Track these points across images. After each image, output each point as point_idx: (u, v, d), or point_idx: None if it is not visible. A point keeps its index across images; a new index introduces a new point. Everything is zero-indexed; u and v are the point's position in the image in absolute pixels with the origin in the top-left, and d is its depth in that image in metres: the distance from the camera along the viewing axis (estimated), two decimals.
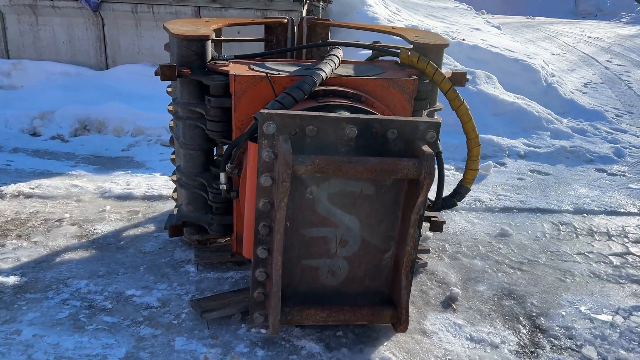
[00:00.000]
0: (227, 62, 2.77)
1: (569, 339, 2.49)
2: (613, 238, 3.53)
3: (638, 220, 3.85)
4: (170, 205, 3.67)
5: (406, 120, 2.13)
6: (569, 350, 2.41)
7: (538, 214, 3.84)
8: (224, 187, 2.54)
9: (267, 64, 2.84)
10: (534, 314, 2.66)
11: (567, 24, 17.29)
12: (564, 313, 2.68)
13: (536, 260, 3.19)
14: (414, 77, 2.70)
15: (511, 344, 2.42)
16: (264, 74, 2.55)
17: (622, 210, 4.00)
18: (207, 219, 3.03)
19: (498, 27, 10.62)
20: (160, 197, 3.82)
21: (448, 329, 2.50)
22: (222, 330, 2.39)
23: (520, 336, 2.49)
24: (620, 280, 3.01)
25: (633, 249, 3.39)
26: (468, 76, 3.27)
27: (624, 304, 2.78)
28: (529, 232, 3.56)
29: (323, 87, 2.52)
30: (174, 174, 3.47)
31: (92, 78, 5.97)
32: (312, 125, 2.08)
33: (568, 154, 5.08)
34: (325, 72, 2.43)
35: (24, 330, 2.34)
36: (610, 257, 3.27)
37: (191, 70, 2.73)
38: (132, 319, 2.44)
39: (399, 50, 2.90)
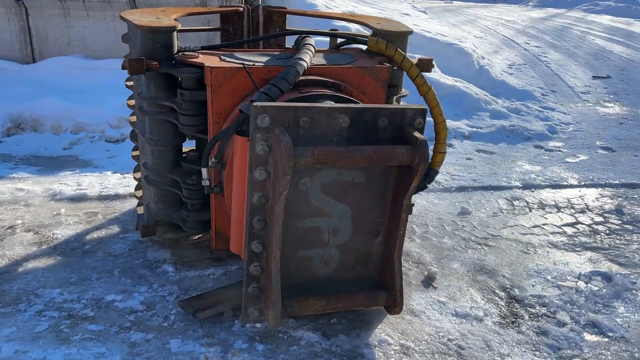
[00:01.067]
0: (196, 54, 2.69)
1: (543, 306, 2.66)
2: (562, 210, 3.79)
3: (579, 191, 4.14)
4: (130, 204, 3.53)
5: (395, 108, 2.18)
6: (545, 317, 2.57)
7: (491, 191, 4.04)
8: (207, 182, 2.48)
9: (237, 55, 2.78)
10: (507, 286, 2.82)
11: (482, 7, 18.07)
12: (533, 283, 2.85)
13: (499, 236, 3.36)
14: (387, 64, 2.75)
15: (493, 316, 2.56)
16: (241, 65, 2.50)
17: (565, 183, 4.29)
18: (180, 217, 2.95)
19: (424, 12, 10.93)
20: (117, 197, 3.66)
21: (433, 307, 2.60)
22: (216, 329, 2.35)
23: (500, 308, 2.63)
24: (576, 249, 3.25)
25: (581, 219, 3.66)
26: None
27: (583, 270, 3.00)
28: (487, 209, 3.74)
29: (303, 77, 2.50)
30: (135, 171, 3.35)
31: (19, 73, 5.57)
32: (306, 117, 2.07)
33: (508, 132, 5.36)
34: (306, 61, 2.42)
35: (2, 347, 2.19)
36: (564, 228, 3.51)
37: (158, 63, 2.63)
38: (119, 325, 2.35)
39: (366, 39, 2.93)
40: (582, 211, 3.78)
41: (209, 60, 2.60)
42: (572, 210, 3.78)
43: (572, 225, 3.56)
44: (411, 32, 3.10)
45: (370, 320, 2.46)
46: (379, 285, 2.45)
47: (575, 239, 3.37)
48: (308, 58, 2.48)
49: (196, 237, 3.08)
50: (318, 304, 2.27)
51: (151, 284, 2.66)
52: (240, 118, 2.25)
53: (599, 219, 3.67)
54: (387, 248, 2.37)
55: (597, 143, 5.36)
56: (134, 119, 3.21)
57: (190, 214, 2.82)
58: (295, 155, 1.94)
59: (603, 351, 2.34)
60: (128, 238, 3.11)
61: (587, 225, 3.57)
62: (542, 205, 3.84)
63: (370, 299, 2.34)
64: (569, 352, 2.32)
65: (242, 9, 3.63)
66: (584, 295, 2.76)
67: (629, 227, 3.57)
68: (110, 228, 3.23)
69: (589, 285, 2.86)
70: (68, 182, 3.86)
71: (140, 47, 2.69)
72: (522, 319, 2.55)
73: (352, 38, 3.00)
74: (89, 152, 4.57)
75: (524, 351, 2.31)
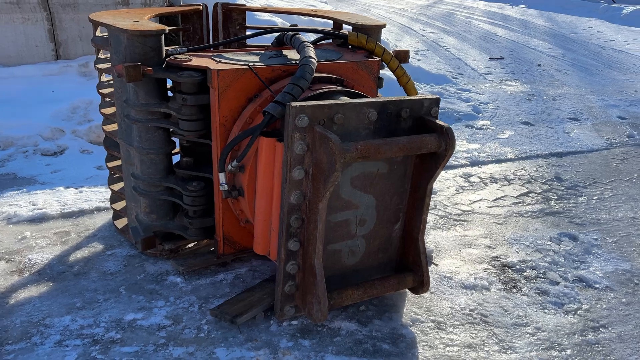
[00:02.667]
0: (189, 57, 2.61)
1: (533, 269, 2.94)
2: (512, 182, 4.16)
3: (519, 164, 4.55)
4: (102, 219, 3.34)
5: (414, 99, 2.30)
6: (538, 278, 2.86)
7: (446, 170, 4.31)
8: (225, 187, 2.44)
9: (226, 55, 2.74)
10: (495, 255, 3.07)
11: None
12: (516, 250, 3.14)
13: (470, 210, 3.63)
14: (377, 58, 2.86)
15: (496, 283, 2.79)
16: (246, 66, 2.48)
17: (504, 157, 4.68)
18: (177, 225, 2.87)
19: (325, 2, 11.15)
20: (82, 213, 3.44)
21: (442, 282, 2.78)
22: (254, 332, 2.34)
23: (498, 276, 2.87)
24: (538, 215, 3.60)
25: (531, 188, 4.04)
26: None
27: (551, 233, 3.35)
28: (449, 187, 4.00)
29: None
30: (112, 183, 3.18)
31: None
32: (340, 113, 2.13)
33: (440, 115, 5.71)
34: (315, 59, 2.46)
35: None
36: (521, 198, 3.86)
37: (150, 68, 2.53)
38: (153, 342, 2.26)
39: (346, 34, 3.02)
40: (529, 181, 4.17)
41: (207, 63, 2.55)
42: (521, 182, 4.16)
43: (526, 195, 3.93)
44: (384, 25, 3.23)
45: (393, 303, 2.58)
46: (398, 269, 2.58)
47: (534, 206, 3.73)
48: (314, 55, 2.52)
49: (191, 244, 3.01)
50: (356, 293, 2.35)
51: (167, 298, 2.57)
52: (265, 119, 2.24)
53: (545, 187, 4.07)
54: (408, 232, 2.49)
55: (517, 119, 5.88)
56: (110, 128, 3.05)
57: (194, 221, 2.75)
58: (344, 151, 1.99)
59: (598, 301, 2.66)
60: (117, 254, 2.96)
61: (538, 193, 3.96)
62: (494, 180, 4.18)
63: (400, 283, 2.46)
64: (572, 306, 2.61)
65: (201, 7, 3.55)
66: (561, 255, 3.09)
67: (572, 191, 4.01)
68: (92, 246, 3.04)
69: (561, 246, 3.20)
70: (20, 203, 3.55)
71: (126, 52, 2.56)
72: (520, 282, 2.81)
73: (335, 34, 3.06)
74: (28, 168, 4.21)
75: (536, 310, 2.56)
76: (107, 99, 3.12)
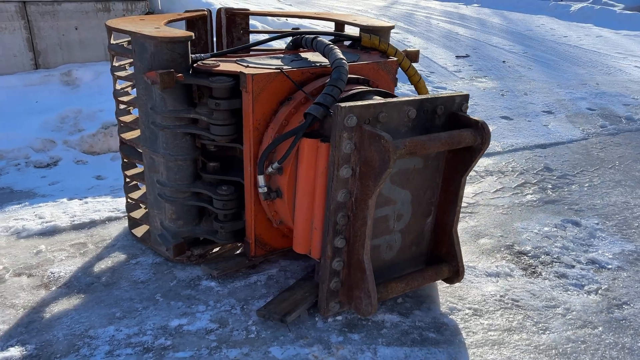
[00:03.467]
0: (217, 62, 2.63)
1: (547, 254, 3.10)
2: (507, 174, 4.34)
3: (509, 156, 4.75)
4: (116, 229, 3.31)
5: (447, 95, 2.40)
6: (554, 263, 3.01)
7: None
8: (265, 189, 2.47)
9: (248, 59, 2.78)
10: (509, 244, 3.22)
11: None
12: (527, 237, 3.29)
13: (474, 203, 3.77)
14: (395, 58, 2.95)
15: (517, 270, 2.93)
16: (278, 70, 2.53)
17: (494, 150, 4.87)
18: (205, 230, 2.88)
19: (291, 5, 11.21)
20: (94, 223, 3.39)
21: (467, 272, 2.89)
22: (302, 329, 2.39)
23: (517, 263, 3.01)
24: (539, 204, 3.78)
25: (526, 179, 4.23)
26: None
27: (555, 220, 3.53)
28: None
29: None
30: (129, 191, 3.16)
31: None
32: (384, 112, 2.20)
33: None
34: (346, 61, 2.52)
35: None
36: (519, 189, 4.04)
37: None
38: (206, 346, 2.27)
39: (360, 36, 3.10)
40: (522, 172, 4.36)
41: (235, 67, 2.57)
42: (514, 173, 4.34)
43: (522, 185, 4.11)
44: (393, 27, 3.33)
45: (427, 294, 2.67)
46: (429, 261, 2.68)
47: (533, 196, 3.91)
48: (344, 57, 2.58)
49: (216, 249, 3.02)
50: (400, 286, 2.43)
51: (206, 302, 2.58)
52: (307, 121, 2.29)
53: (538, 177, 4.27)
54: (441, 224, 2.59)
55: (496, 114, 6.11)
56: (129, 135, 3.02)
57: (225, 225, 2.77)
58: (397, 148, 2.07)
59: (614, 280, 2.84)
60: (142, 262, 2.94)
61: (533, 183, 4.15)
62: (489, 172, 4.35)
63: (437, 273, 2.55)
64: (592, 286, 2.78)
65: (206, 13, 3.56)
66: (569, 240, 3.27)
67: (564, 180, 4.22)
68: (114, 256, 3.01)
69: (567, 232, 3.38)
70: (25, 217, 3.46)
71: (152, 59, 2.57)
72: (539, 268, 2.96)
73: (349, 36, 3.14)
74: (23, 181, 4.10)
75: (561, 293, 2.71)
76: (123, 106, 3.09)
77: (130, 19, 3.07)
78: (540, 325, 2.45)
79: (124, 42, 3.04)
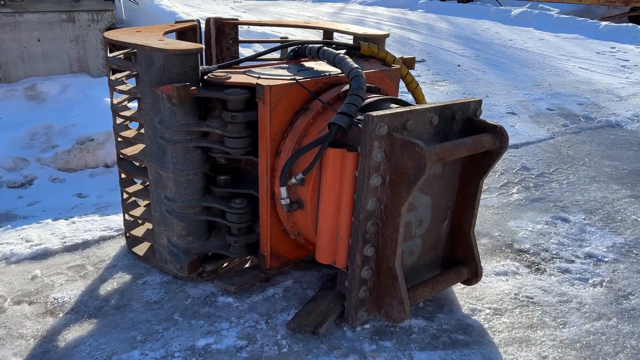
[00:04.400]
0: (228, 74, 2.59)
1: (546, 251, 3.22)
2: (489, 175, 4.46)
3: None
4: (112, 249, 3.18)
5: (463, 102, 2.46)
6: (554, 259, 3.13)
7: None
8: (287, 201, 2.45)
9: (256, 70, 2.75)
10: (509, 243, 3.32)
11: (273, 5, 18.87)
12: (524, 236, 3.41)
13: None
14: (398, 66, 3.00)
15: (522, 268, 3.03)
16: (294, 81, 2.51)
17: None
18: (215, 245, 2.82)
19: (245, 12, 11.15)
20: (88, 244, 3.24)
21: None
22: (332, 340, 2.38)
23: (520, 261, 3.11)
24: (526, 203, 3.92)
25: (507, 178, 4.38)
26: None
27: (545, 217, 3.67)
28: None
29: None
30: (129, 209, 3.05)
31: None
32: (410, 120, 2.23)
33: None
34: (362, 70, 2.54)
35: None
36: (504, 188, 4.18)
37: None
38: None
39: (359, 44, 3.12)
40: (502, 173, 4.51)
41: (245, 79, 2.54)
42: (495, 173, 4.49)
43: (506, 185, 4.25)
44: (388, 35, 3.38)
45: (445, 297, 2.72)
46: (445, 265, 2.72)
47: (518, 195, 4.06)
48: (358, 66, 2.59)
49: (225, 263, 2.96)
50: (427, 290, 2.46)
51: (228, 319, 2.52)
52: (333, 131, 2.29)
53: (519, 176, 4.43)
54: (458, 227, 2.65)
55: None
56: (130, 151, 2.92)
57: (239, 238, 2.72)
58: (431, 155, 2.10)
59: (614, 272, 2.98)
60: (150, 282, 2.84)
61: (516, 183, 4.30)
62: None
63: (457, 276, 2.60)
64: (596, 279, 2.91)
65: (196, 23, 3.49)
66: (563, 236, 3.41)
67: (543, 178, 4.40)
68: (117, 277, 2.89)
69: (558, 228, 3.52)
70: (11, 240, 3.27)
71: (161, 72, 2.51)
72: (542, 265, 3.07)
73: (349, 45, 3.15)
74: None
75: (569, 287, 2.83)
76: (120, 120, 2.99)
77: (126, 31, 2.97)
78: (559, 320, 2.54)
79: (120, 54, 2.94)
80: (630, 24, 13.30)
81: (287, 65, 2.90)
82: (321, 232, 2.45)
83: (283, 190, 2.44)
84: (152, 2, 6.53)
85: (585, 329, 2.48)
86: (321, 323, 2.39)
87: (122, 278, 2.88)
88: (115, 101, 2.97)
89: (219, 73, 2.60)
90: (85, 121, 4.55)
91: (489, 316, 2.56)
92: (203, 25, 3.57)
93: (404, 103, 2.59)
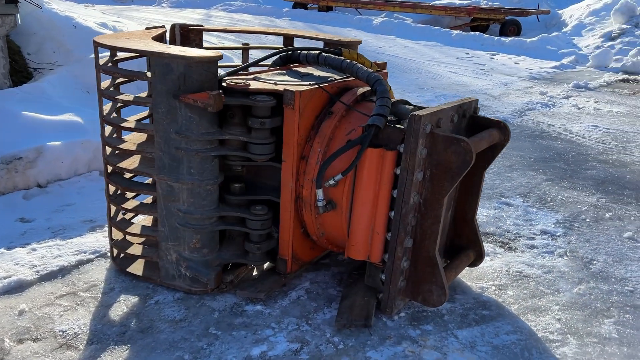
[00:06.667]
0: (246, 81, 2.58)
1: (507, 232, 3.63)
2: None
3: None
4: (99, 272, 2.96)
5: (469, 101, 2.73)
6: (518, 238, 3.55)
7: None
8: (323, 202, 2.51)
9: (262, 76, 2.77)
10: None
11: (135, 10, 17.99)
12: (485, 220, 3.80)
13: None
14: (385, 70, 3.19)
15: (497, 248, 3.39)
16: (316, 86, 2.59)
17: None
18: (232, 254, 2.78)
19: (118, 17, 10.57)
20: (65, 270, 2.97)
21: None
22: (379, 331, 2.49)
23: (492, 242, 3.48)
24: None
25: None
26: None
27: (493, 204, 4.12)
28: None
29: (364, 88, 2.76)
30: (122, 226, 2.87)
31: None
32: (442, 118, 2.44)
33: None
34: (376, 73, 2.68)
35: None
36: None
37: None
38: None
39: (341, 49, 3.26)
40: None
41: (261, 85, 2.56)
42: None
43: None
44: (360, 42, 3.56)
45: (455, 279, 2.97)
46: (448, 251, 2.98)
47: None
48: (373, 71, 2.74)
49: (238, 272, 2.91)
50: (452, 275, 2.69)
51: (268, 325, 2.51)
52: (371, 131, 2.41)
53: None
54: (461, 215, 2.91)
55: None
56: (128, 164, 2.75)
57: (262, 245, 2.71)
58: (473, 149, 2.32)
59: (569, 244, 3.47)
60: (164, 301, 2.70)
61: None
62: None
63: (468, 259, 2.87)
64: (560, 251, 3.36)
65: (164, 29, 3.37)
66: (514, 218, 3.86)
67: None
68: (123, 300, 2.70)
69: (507, 212, 3.98)
70: None
71: (181, 80, 2.45)
72: (510, 244, 3.47)
73: (331, 50, 3.26)
74: None
75: (544, 260, 3.24)
76: (109, 132, 2.79)
77: (113, 37, 2.79)
78: (552, 288, 2.93)
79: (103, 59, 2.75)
80: (477, 33, 14.99)
81: (285, 71, 2.95)
82: (356, 230, 2.55)
83: (320, 192, 2.50)
84: (43, 6, 5.97)
85: (575, 292, 2.89)
86: (368, 316, 2.49)
87: (128, 300, 2.70)
88: (106, 111, 2.77)
89: (237, 80, 2.58)
90: (6, 138, 4.07)
91: (497, 292, 2.87)
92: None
93: (407, 102, 2.79)
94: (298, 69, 3.04)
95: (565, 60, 11.98)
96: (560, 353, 2.40)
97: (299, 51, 3.01)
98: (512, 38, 14.30)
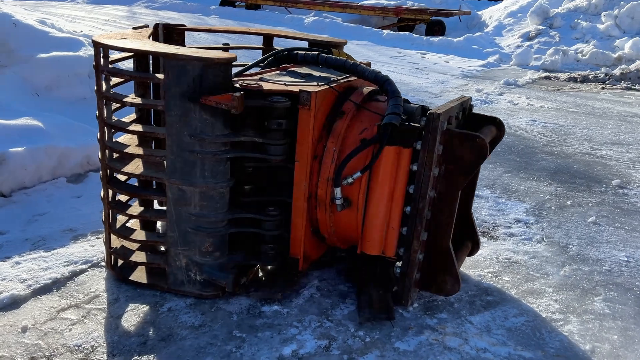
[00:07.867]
0: (259, 83, 2.58)
1: (485, 222, 3.84)
2: None
3: None
4: (97, 282, 2.86)
5: (466, 99, 2.87)
6: (495, 228, 3.77)
7: None
8: (341, 201, 2.55)
9: (267, 77, 2.77)
10: None
11: (54, 6, 17.01)
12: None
13: None
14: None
15: (481, 237, 3.58)
16: (328, 86, 2.63)
17: None
18: (244, 256, 2.77)
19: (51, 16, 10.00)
20: (59, 283, 2.84)
21: None
22: (399, 322, 2.57)
23: (483, 233, 3.67)
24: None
25: None
26: None
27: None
28: None
29: (369, 88, 2.84)
30: (126, 234, 2.78)
31: None
32: (452, 115, 2.56)
33: None
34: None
35: None
36: None
37: None
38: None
39: (332, 49, 3.32)
40: None
41: (276, 86, 2.58)
42: None
43: None
44: (346, 42, 3.62)
45: None
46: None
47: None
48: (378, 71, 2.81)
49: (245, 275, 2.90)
50: (459, 264, 2.82)
51: (291, 324, 2.53)
52: (388, 130, 2.49)
53: None
54: (460, 208, 3.05)
55: None
56: (132, 169, 2.67)
57: (276, 246, 2.72)
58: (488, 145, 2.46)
59: (542, 230, 3.73)
60: (176, 308, 2.65)
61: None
62: None
63: (467, 248, 3.02)
64: (537, 237, 3.61)
65: (148, 29, 3.27)
66: (487, 209, 4.09)
67: None
68: (132, 310, 2.62)
69: (479, 203, 4.20)
70: None
71: (196, 82, 2.42)
72: (491, 233, 3.68)
73: (321, 51, 3.30)
74: None
75: (525, 246, 3.46)
76: (109, 134, 2.69)
77: (112, 36, 2.69)
78: (542, 272, 3.15)
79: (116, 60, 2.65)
80: (407, 32, 15.50)
81: (284, 72, 2.96)
82: (371, 225, 2.63)
83: (337, 191, 2.55)
84: None
85: (562, 275, 3.12)
86: (390, 308, 2.58)
87: (137, 309, 2.62)
88: (105, 113, 2.66)
89: (249, 81, 2.57)
90: None
91: (494, 278, 3.04)
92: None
93: (407, 101, 2.90)
94: (294, 69, 3.06)
95: (490, 59, 12.69)
96: (567, 330, 2.60)
97: (295, 52, 3.04)
98: (440, 38, 14.92)
